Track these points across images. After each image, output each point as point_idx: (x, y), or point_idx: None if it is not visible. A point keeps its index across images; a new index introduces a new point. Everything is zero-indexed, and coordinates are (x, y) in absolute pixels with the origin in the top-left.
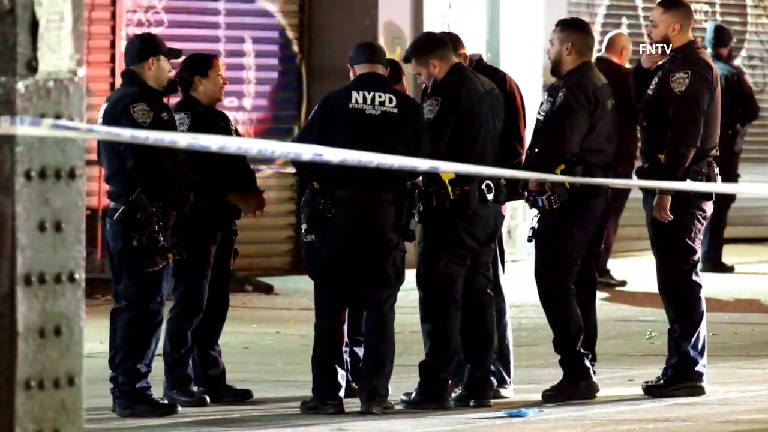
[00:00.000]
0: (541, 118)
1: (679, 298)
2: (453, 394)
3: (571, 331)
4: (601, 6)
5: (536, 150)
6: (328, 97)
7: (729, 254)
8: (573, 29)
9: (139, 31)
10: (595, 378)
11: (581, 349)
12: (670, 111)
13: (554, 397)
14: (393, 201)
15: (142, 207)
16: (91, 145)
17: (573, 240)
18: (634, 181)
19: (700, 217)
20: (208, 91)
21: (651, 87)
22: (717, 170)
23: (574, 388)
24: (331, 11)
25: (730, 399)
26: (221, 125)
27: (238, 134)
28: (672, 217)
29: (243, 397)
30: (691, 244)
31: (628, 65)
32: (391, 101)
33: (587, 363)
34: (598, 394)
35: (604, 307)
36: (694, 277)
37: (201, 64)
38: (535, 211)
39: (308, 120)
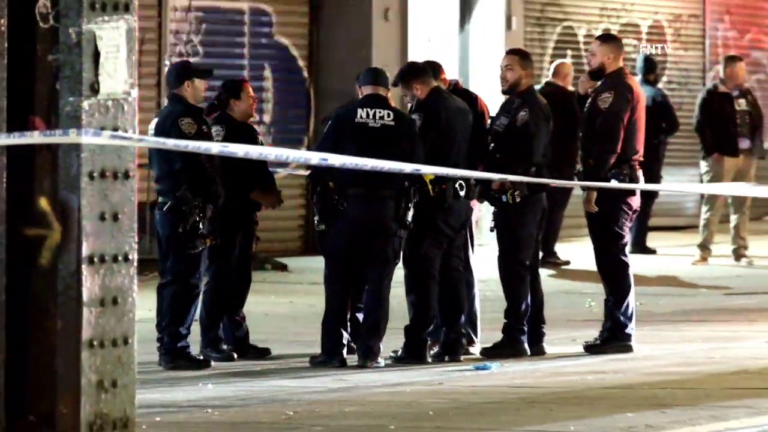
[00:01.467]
0: (500, 129)
1: (611, 275)
2: (431, 352)
3: (521, 303)
4: (550, 41)
5: (497, 155)
6: (339, 114)
7: (653, 239)
8: (529, 60)
9: (179, 59)
10: (525, 344)
11: (524, 321)
12: (597, 124)
13: (494, 353)
14: (393, 197)
15: (186, 201)
16: (142, 152)
17: (527, 227)
18: (597, 183)
19: (625, 209)
20: (241, 109)
21: (586, 106)
22: (640, 172)
23: (509, 348)
24: (334, 45)
25: (653, 355)
26: (249, 136)
27: (263, 144)
28: (597, 208)
29: (263, 353)
30: (619, 231)
31: (571, 88)
32: (389, 116)
33: (524, 330)
34: (547, 351)
35: (552, 281)
36: (623, 258)
37: (234, 88)
38: (492, 209)
39: (325, 132)
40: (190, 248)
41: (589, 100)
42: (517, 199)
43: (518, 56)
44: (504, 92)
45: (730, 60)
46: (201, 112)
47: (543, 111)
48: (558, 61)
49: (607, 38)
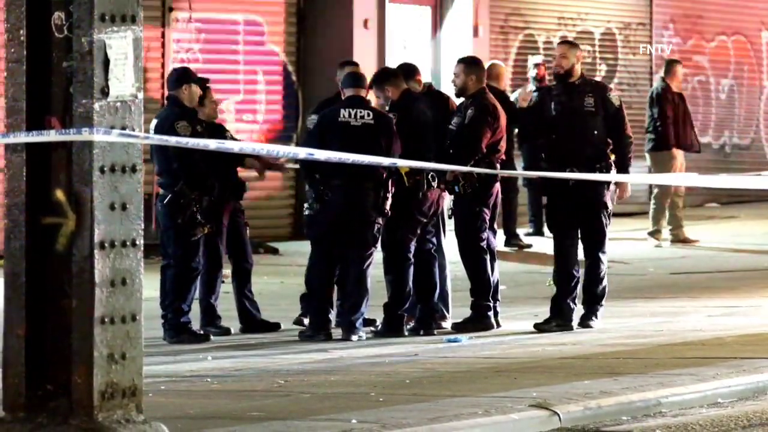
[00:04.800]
0: (454, 128)
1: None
2: (407, 327)
3: (483, 280)
4: (513, 47)
5: (451, 150)
6: (324, 113)
7: None
8: (475, 65)
9: (180, 65)
10: (492, 319)
11: (489, 298)
12: (616, 119)
13: (464, 328)
14: (372, 188)
15: (185, 194)
16: (146, 148)
17: (481, 214)
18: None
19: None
20: (205, 112)
21: (591, 104)
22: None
23: (477, 323)
24: (319, 51)
25: (607, 328)
26: (218, 133)
27: (234, 139)
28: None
29: (274, 328)
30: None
31: (508, 88)
32: (369, 115)
33: (491, 306)
34: (511, 327)
35: (514, 262)
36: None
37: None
38: (451, 197)
39: (311, 130)
40: (191, 236)
41: (592, 97)
42: (468, 189)
43: (464, 64)
44: (456, 95)
45: (674, 63)
46: (196, 113)
47: (488, 109)
48: (490, 62)
49: (570, 44)
